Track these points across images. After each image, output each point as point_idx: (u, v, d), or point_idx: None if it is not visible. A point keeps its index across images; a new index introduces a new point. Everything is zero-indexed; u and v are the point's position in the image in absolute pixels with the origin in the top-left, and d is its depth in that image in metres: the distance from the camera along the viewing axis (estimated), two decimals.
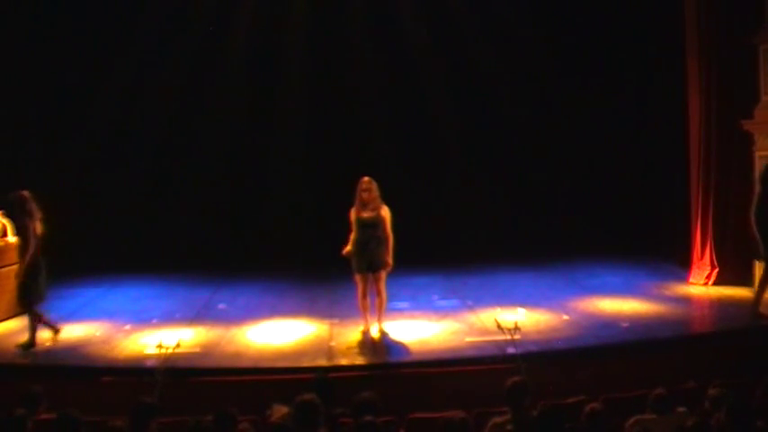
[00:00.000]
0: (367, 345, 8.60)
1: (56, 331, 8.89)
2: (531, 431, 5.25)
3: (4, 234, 9.87)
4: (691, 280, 10.83)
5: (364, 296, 8.80)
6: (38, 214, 8.80)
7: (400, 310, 9.67)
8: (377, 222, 8.61)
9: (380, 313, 8.86)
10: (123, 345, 8.62)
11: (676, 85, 11.29)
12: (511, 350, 7.57)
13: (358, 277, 8.73)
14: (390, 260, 8.70)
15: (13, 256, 9.82)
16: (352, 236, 8.68)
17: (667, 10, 11.29)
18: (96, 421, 5.69)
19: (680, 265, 11.36)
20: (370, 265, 8.64)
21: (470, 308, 9.81)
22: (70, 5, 11.94)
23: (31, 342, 8.60)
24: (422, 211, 12.72)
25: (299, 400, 5.15)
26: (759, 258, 9.38)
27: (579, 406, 5.57)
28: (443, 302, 10.23)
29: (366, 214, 8.60)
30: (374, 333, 8.80)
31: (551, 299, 10.12)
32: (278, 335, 8.99)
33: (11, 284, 9.73)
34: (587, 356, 8.16)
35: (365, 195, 8.59)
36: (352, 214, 8.67)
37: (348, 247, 8.71)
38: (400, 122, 13.09)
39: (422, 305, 10.06)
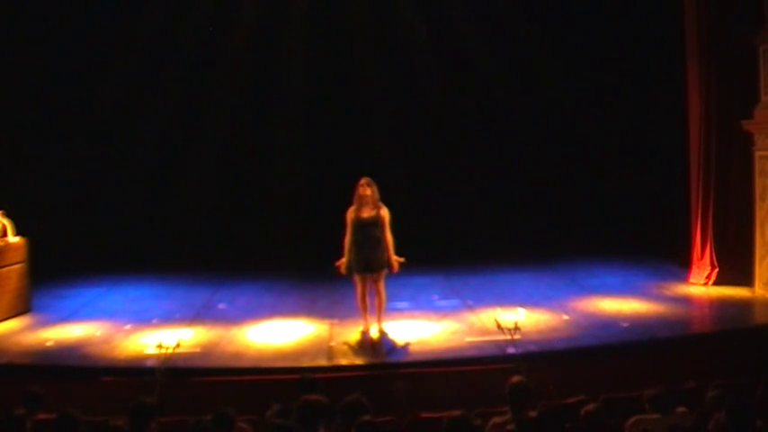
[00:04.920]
0: (367, 345, 8.59)
1: None
2: (532, 431, 5.24)
3: (4, 234, 9.87)
4: (691, 280, 10.83)
5: (364, 296, 8.79)
6: None
7: (400, 310, 9.67)
8: (376, 222, 8.59)
9: (380, 313, 8.85)
10: (123, 345, 8.61)
11: (676, 86, 11.29)
12: (511, 350, 7.58)
13: (357, 277, 8.72)
14: (396, 258, 8.66)
15: (14, 256, 9.83)
16: (349, 237, 8.64)
17: (667, 10, 11.30)
18: (96, 421, 5.69)
19: (680, 265, 11.36)
20: (368, 266, 8.62)
21: (470, 308, 9.81)
22: (70, 5, 11.93)
23: None
24: (422, 211, 12.72)
25: (302, 400, 5.15)
26: None
27: (579, 406, 5.57)
28: (443, 302, 10.23)
29: (365, 214, 8.59)
30: (374, 333, 8.80)
31: (551, 299, 10.12)
32: (278, 335, 8.99)
33: (11, 284, 9.76)
34: (587, 356, 8.16)
35: (363, 195, 8.58)
36: (350, 214, 8.63)
37: (343, 260, 8.65)
38: (400, 122, 13.10)
39: (422, 305, 10.05)
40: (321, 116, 13.02)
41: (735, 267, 10.48)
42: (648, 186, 12.76)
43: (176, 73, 12.70)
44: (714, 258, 10.65)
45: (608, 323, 9.05)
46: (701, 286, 10.63)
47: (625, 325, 8.95)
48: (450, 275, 11.63)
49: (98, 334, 9.05)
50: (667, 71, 11.78)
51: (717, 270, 10.60)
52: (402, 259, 8.69)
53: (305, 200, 12.93)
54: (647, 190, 12.76)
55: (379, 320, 8.86)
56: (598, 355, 8.21)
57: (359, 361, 8.17)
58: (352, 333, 8.88)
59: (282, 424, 5.21)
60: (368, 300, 8.81)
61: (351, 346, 8.52)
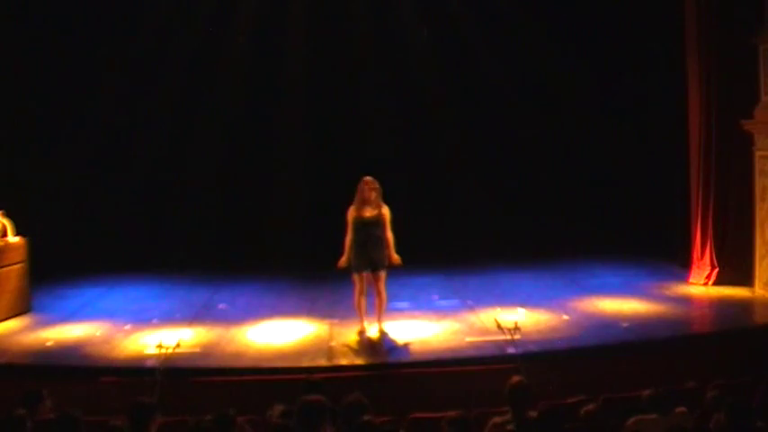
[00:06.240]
0: (367, 345, 8.59)
1: None
2: (532, 431, 5.24)
3: (4, 234, 9.87)
4: (691, 280, 10.83)
5: (362, 296, 8.78)
6: None
7: (400, 310, 9.66)
8: (378, 222, 8.60)
9: (380, 313, 8.84)
10: (123, 345, 8.62)
11: (676, 85, 11.29)
12: (511, 350, 7.58)
13: (356, 277, 8.70)
14: (396, 258, 8.70)
15: (14, 256, 9.83)
16: (350, 236, 8.63)
17: (667, 9, 11.30)
18: (96, 421, 5.69)
19: (680, 265, 11.36)
20: (371, 264, 8.63)
21: (470, 308, 9.81)
22: (70, 5, 11.93)
23: None
24: (422, 211, 12.72)
25: (302, 401, 5.14)
26: None
27: (579, 406, 5.57)
28: (443, 302, 10.23)
29: (368, 213, 8.59)
30: (373, 333, 8.79)
31: (551, 299, 10.12)
32: (278, 335, 8.99)
33: (11, 284, 9.76)
34: (587, 356, 8.16)
35: (368, 194, 8.57)
36: (351, 213, 8.63)
37: (344, 258, 8.66)
38: (400, 122, 13.09)
39: (422, 305, 10.05)
40: (321, 116, 13.01)
41: (735, 267, 10.49)
42: (648, 186, 12.75)
43: (176, 72, 12.69)
44: (714, 258, 10.66)
45: (608, 323, 9.06)
46: (701, 286, 10.63)
47: (625, 325, 8.95)
48: (451, 275, 11.63)
49: (98, 334, 9.05)
50: (667, 71, 11.78)
51: (717, 270, 10.60)
52: (400, 261, 8.71)
53: (305, 200, 12.93)
54: (647, 190, 12.75)
55: (380, 320, 8.86)
56: (598, 355, 8.21)
57: (359, 361, 8.18)
58: (352, 333, 8.88)
59: (283, 424, 5.21)
60: (365, 300, 8.81)
61: (351, 346, 8.53)
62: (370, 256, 8.60)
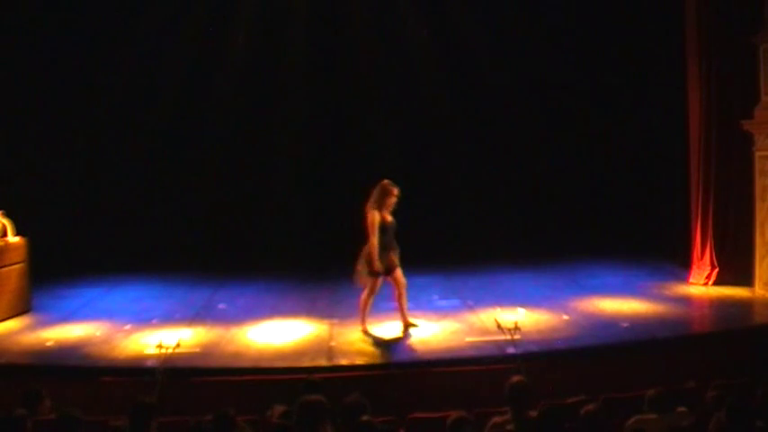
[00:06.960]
0: (367, 345, 8.59)
1: None
2: (531, 431, 5.24)
3: (4, 234, 9.87)
4: (691, 280, 10.83)
5: (371, 297, 8.77)
6: None
7: None
8: (395, 226, 8.67)
9: (404, 307, 8.85)
10: (123, 345, 8.61)
11: (676, 86, 11.29)
12: (511, 350, 7.58)
13: (372, 281, 8.65)
14: None
15: (14, 256, 9.83)
16: (377, 239, 8.46)
17: (667, 10, 11.30)
18: (96, 421, 5.69)
19: (680, 265, 11.36)
20: (387, 268, 8.64)
21: (470, 308, 9.81)
22: (69, 4, 11.93)
23: None
24: (422, 211, 12.71)
25: (301, 401, 5.14)
26: None
27: (579, 406, 5.57)
28: (443, 302, 10.22)
29: (389, 218, 8.62)
30: (400, 330, 8.78)
31: (551, 299, 10.11)
32: (278, 335, 8.99)
33: (11, 284, 9.76)
34: (587, 356, 8.16)
35: (394, 200, 8.57)
36: (377, 217, 8.47)
37: (378, 261, 8.49)
38: (401, 122, 13.09)
39: (422, 305, 10.03)
40: (321, 117, 13.02)
41: (735, 267, 10.49)
42: (648, 186, 12.76)
43: (176, 72, 12.69)
44: (714, 258, 10.65)
45: (608, 323, 9.05)
46: (701, 286, 10.63)
47: (625, 325, 8.94)
48: (451, 275, 11.63)
49: (98, 334, 9.04)
50: (667, 71, 11.78)
51: (717, 270, 10.60)
52: None
53: (305, 200, 12.92)
54: (647, 190, 12.76)
55: (404, 314, 8.86)
56: (598, 355, 8.20)
57: (359, 361, 8.16)
58: (352, 333, 8.88)
59: (283, 424, 5.22)
60: (372, 302, 8.81)
61: (351, 346, 8.52)
62: (390, 258, 8.64)
